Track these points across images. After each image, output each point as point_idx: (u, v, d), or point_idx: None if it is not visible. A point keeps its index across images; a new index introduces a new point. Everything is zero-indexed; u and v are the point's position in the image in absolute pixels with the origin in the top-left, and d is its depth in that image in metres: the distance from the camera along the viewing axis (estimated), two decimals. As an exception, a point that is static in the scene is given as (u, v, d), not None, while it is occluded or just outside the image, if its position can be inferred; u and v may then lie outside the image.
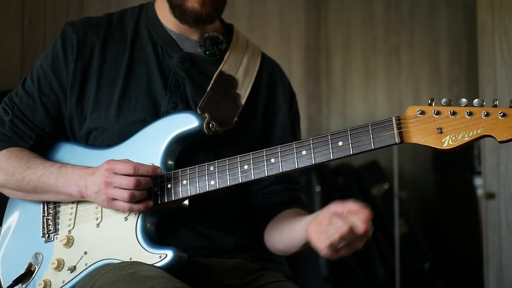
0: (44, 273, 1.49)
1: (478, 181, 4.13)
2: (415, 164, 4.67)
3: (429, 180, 4.64)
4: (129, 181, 1.38)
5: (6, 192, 1.59)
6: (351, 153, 1.29)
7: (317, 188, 3.72)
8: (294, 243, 1.48)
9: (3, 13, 2.77)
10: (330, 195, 3.88)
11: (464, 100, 1.22)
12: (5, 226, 1.62)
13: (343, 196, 4.11)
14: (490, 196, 3.27)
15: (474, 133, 1.20)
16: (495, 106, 1.20)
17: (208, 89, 1.56)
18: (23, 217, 1.59)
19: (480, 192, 3.98)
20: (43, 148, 1.61)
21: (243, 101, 1.58)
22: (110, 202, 1.42)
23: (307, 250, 1.51)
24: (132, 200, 1.40)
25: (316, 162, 1.32)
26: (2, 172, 1.55)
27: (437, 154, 4.45)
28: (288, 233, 1.50)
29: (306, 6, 4.52)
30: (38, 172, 1.51)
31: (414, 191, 4.59)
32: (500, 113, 1.18)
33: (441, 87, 4.84)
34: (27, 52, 2.84)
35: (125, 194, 1.39)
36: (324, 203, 3.88)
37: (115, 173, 1.40)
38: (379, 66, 4.73)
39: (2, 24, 2.76)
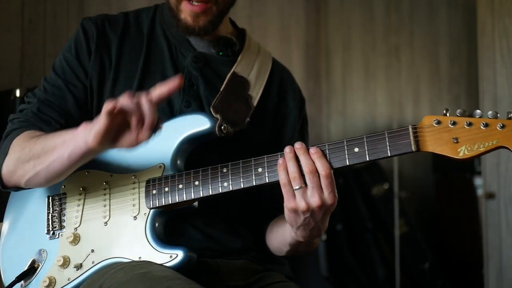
0: (49, 270, 1.49)
1: (478, 181, 4.13)
2: (415, 164, 4.67)
3: (429, 180, 4.65)
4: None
5: (19, 172, 1.46)
6: (367, 159, 1.30)
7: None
8: (285, 238, 1.49)
9: (3, 13, 2.77)
10: (330, 195, 3.88)
11: (478, 111, 1.25)
12: (6, 221, 1.61)
13: (343, 196, 4.13)
14: (490, 196, 3.27)
15: (490, 144, 1.23)
16: (510, 118, 1.23)
17: (221, 89, 1.57)
18: (26, 213, 1.58)
19: (480, 192, 3.99)
20: None
21: (255, 103, 1.59)
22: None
23: (297, 249, 1.52)
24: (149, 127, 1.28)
25: (333, 168, 1.33)
26: (18, 146, 1.46)
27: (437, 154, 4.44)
28: (280, 229, 1.52)
29: (306, 6, 4.51)
30: (56, 131, 1.44)
31: (414, 191, 4.59)
32: None
33: (441, 87, 4.85)
34: (27, 52, 2.83)
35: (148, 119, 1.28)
36: (324, 203, 3.88)
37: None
38: (379, 66, 4.73)
39: (2, 24, 2.76)
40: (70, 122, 1.54)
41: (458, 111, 1.27)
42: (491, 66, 3.27)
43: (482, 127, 1.24)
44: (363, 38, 4.73)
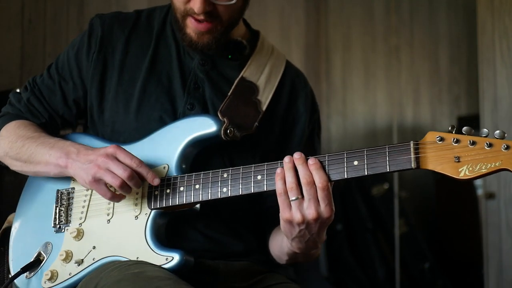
0: (52, 263, 1.50)
1: (478, 181, 4.13)
2: (415, 164, 4.66)
3: (429, 180, 4.64)
4: (125, 171, 1.37)
5: (8, 162, 1.61)
6: (366, 173, 1.29)
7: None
8: (283, 247, 1.48)
9: (3, 13, 2.77)
10: (330, 195, 3.88)
11: (485, 130, 1.21)
12: (18, 213, 1.63)
13: (343, 196, 4.13)
14: (490, 196, 3.27)
15: (492, 166, 1.18)
16: None
17: (229, 94, 1.56)
18: (36, 205, 1.60)
19: (480, 192, 3.98)
20: (54, 130, 1.64)
21: (264, 108, 1.57)
22: (93, 182, 1.40)
23: (296, 259, 1.51)
24: (121, 189, 1.39)
25: (331, 180, 1.32)
26: (7, 140, 1.57)
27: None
28: (279, 239, 1.51)
29: (306, 6, 4.51)
30: (38, 141, 1.53)
31: (414, 191, 4.58)
32: None
33: (441, 87, 4.84)
34: (27, 52, 2.83)
35: (116, 181, 1.37)
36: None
37: (116, 158, 1.39)
38: (379, 66, 4.73)
39: (2, 24, 2.76)
40: (53, 118, 1.64)
41: (464, 128, 1.22)
42: (491, 66, 3.27)
43: (486, 147, 1.19)
44: (363, 38, 4.73)
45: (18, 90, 1.71)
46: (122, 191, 1.40)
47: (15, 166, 1.59)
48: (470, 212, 4.21)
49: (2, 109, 1.69)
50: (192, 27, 1.51)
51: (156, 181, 1.41)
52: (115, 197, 1.42)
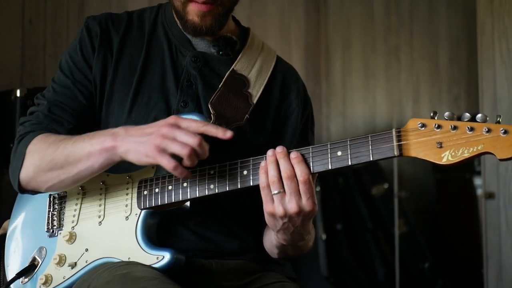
0: (47, 267, 1.50)
1: (478, 181, 4.13)
2: (415, 164, 4.67)
3: (429, 180, 4.64)
4: (195, 138, 1.29)
5: (41, 179, 1.48)
6: (349, 163, 1.28)
7: (317, 188, 3.73)
8: (272, 240, 1.48)
9: (3, 13, 2.77)
10: (330, 195, 3.89)
11: (467, 114, 1.19)
12: (13, 219, 1.63)
13: (343, 196, 4.13)
14: (489, 196, 3.27)
15: (474, 150, 1.17)
16: (498, 122, 1.17)
17: (220, 86, 1.56)
18: (30, 211, 1.61)
19: (479, 192, 3.99)
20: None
21: (254, 100, 1.58)
22: (157, 153, 1.29)
23: (286, 252, 1.51)
24: (190, 158, 1.29)
25: (314, 171, 1.32)
26: (37, 152, 1.47)
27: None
28: (269, 232, 1.51)
29: (306, 6, 4.52)
30: (73, 139, 1.43)
31: (414, 191, 4.59)
32: (502, 130, 1.15)
33: (441, 87, 4.85)
34: (27, 52, 2.84)
35: (185, 149, 1.28)
36: (324, 203, 3.90)
37: (179, 127, 1.32)
38: (379, 66, 4.73)
39: (2, 24, 2.76)
40: (81, 122, 1.55)
41: (446, 114, 1.21)
42: (491, 66, 3.27)
43: (467, 131, 1.17)
44: (363, 38, 4.73)
45: (29, 105, 1.59)
46: (189, 161, 1.30)
47: (51, 179, 1.46)
48: (470, 212, 4.21)
49: (19, 132, 1.55)
50: (195, 10, 1.51)
51: (228, 134, 1.32)
52: (179, 167, 1.30)
